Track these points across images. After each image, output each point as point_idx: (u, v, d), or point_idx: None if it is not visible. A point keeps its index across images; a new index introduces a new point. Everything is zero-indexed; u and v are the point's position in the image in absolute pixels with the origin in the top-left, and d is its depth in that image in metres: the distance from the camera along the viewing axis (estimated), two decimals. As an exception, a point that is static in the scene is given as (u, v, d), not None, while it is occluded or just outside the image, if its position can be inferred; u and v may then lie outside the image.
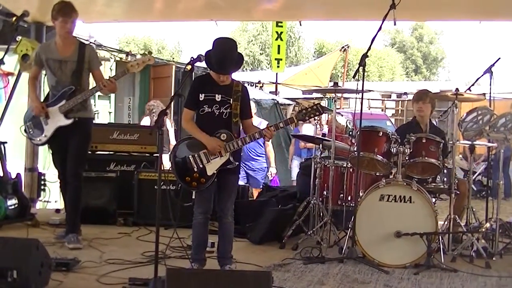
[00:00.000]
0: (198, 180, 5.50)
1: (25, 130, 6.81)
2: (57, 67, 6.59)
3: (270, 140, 9.05)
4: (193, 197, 5.58)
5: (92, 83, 6.81)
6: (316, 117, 5.80)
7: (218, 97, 5.55)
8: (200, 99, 5.56)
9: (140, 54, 6.60)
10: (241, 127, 5.72)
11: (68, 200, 6.78)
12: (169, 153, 6.07)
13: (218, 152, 5.46)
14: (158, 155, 8.18)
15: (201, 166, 5.49)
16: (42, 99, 6.84)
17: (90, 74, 6.76)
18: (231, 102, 5.55)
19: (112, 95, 13.77)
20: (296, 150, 13.47)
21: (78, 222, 6.77)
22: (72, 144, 6.66)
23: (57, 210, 8.48)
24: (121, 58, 14.06)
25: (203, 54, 5.48)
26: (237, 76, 5.81)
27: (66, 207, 6.87)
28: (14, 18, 6.71)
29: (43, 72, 6.85)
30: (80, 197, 6.79)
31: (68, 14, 6.49)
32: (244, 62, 5.84)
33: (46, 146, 6.97)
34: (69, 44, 6.65)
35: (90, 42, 12.17)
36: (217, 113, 5.54)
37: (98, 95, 12.73)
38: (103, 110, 14.14)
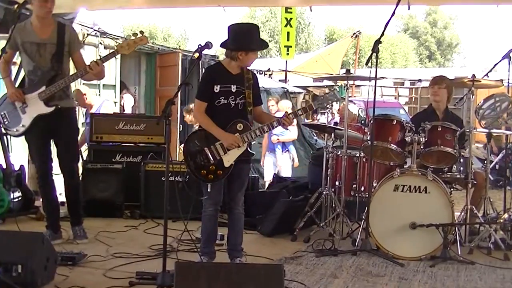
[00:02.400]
0: (214, 172, 5.47)
1: None
2: (34, 50, 6.24)
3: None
4: (209, 190, 5.52)
5: (72, 68, 6.53)
6: (332, 104, 5.76)
7: (233, 88, 5.51)
8: (216, 90, 5.51)
9: (131, 35, 6.20)
10: (253, 116, 5.64)
11: (69, 197, 6.65)
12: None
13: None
14: (165, 145, 8.21)
15: (218, 158, 5.46)
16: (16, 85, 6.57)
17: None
18: (245, 91, 5.53)
19: (117, 84, 13.77)
20: (269, 145, 11.77)
21: (82, 213, 6.74)
22: (61, 140, 6.46)
23: (62, 203, 8.49)
24: (126, 46, 14.05)
25: (211, 42, 5.43)
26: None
27: (67, 203, 6.72)
28: (16, 6, 6.60)
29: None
30: (80, 191, 6.74)
31: None
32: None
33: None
34: (47, 25, 6.31)
35: (95, 30, 12.19)
36: (233, 104, 5.51)
37: (103, 84, 12.74)
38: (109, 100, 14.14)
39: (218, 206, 5.63)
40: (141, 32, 6.34)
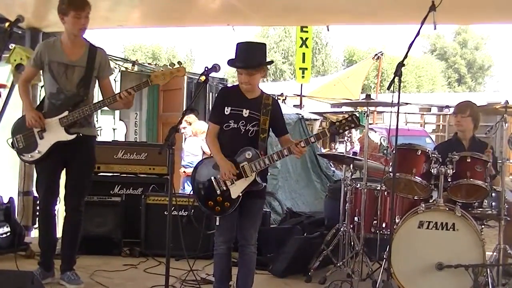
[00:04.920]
0: (221, 204, 5.50)
1: (12, 144, 6.47)
2: (61, 72, 6.27)
3: None
4: (217, 223, 5.54)
5: (96, 93, 6.57)
6: (350, 131, 5.77)
7: (245, 113, 5.56)
8: (226, 113, 5.57)
9: (169, 64, 6.14)
10: (266, 145, 5.67)
11: (66, 234, 6.54)
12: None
13: (241, 173, 5.44)
14: (168, 177, 8.22)
15: (224, 188, 5.49)
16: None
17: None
18: (259, 118, 5.56)
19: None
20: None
21: (75, 258, 6.63)
22: (74, 169, 6.44)
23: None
24: (126, 68, 14.11)
25: (219, 64, 5.48)
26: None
27: (63, 241, 6.60)
28: (7, 24, 6.63)
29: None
30: (80, 231, 6.64)
31: (81, 6, 6.19)
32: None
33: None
34: (79, 46, 6.38)
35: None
36: (243, 130, 5.55)
37: (101, 110, 12.80)
38: (107, 127, 14.20)
39: (230, 244, 5.65)
40: (179, 62, 6.37)
